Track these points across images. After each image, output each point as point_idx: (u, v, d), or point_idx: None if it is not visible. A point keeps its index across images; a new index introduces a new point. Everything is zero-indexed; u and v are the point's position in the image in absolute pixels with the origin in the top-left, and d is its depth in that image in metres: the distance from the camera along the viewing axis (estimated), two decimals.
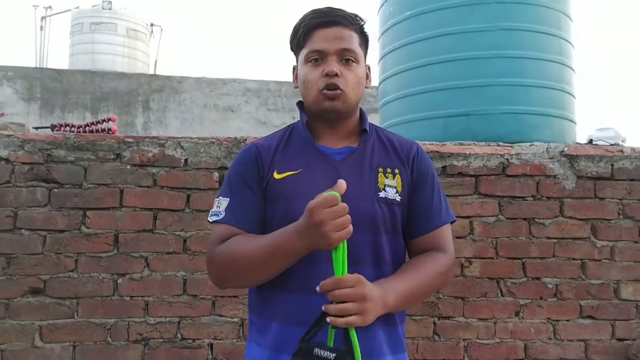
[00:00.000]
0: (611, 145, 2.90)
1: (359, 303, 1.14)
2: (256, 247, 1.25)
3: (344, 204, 1.13)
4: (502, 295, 2.67)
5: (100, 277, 2.50)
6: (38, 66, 10.62)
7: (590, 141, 3.11)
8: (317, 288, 1.16)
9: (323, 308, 1.17)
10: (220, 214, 1.35)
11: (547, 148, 2.75)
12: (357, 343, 1.17)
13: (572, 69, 3.25)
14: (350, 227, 1.15)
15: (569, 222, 2.72)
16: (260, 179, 1.36)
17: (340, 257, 1.17)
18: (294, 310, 1.29)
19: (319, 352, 1.17)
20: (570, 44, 3.23)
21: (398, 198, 1.36)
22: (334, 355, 1.16)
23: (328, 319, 1.16)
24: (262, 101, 9.25)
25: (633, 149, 2.79)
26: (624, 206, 2.75)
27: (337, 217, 1.12)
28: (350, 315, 1.14)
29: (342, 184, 1.15)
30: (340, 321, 1.14)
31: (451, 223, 1.46)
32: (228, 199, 1.36)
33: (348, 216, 1.14)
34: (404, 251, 1.42)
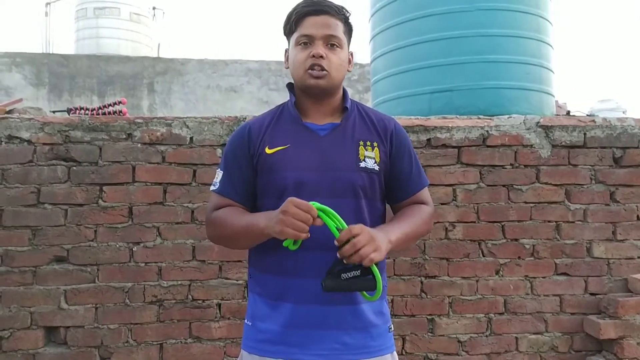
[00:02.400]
0: (586, 115, 3.11)
1: (371, 243, 1.38)
2: (237, 221, 1.54)
3: (309, 216, 1.36)
4: (484, 256, 2.90)
5: (117, 245, 2.75)
6: (44, 52, 10.81)
7: (568, 112, 3.32)
8: (335, 242, 1.38)
9: (338, 256, 1.38)
10: (216, 185, 1.64)
11: (524, 120, 2.94)
12: (378, 272, 1.40)
13: (550, 45, 3.42)
14: (298, 234, 1.36)
15: (545, 187, 2.93)
16: (250, 157, 1.60)
17: (330, 221, 1.40)
18: (287, 263, 1.53)
19: (346, 275, 1.40)
20: (548, 21, 3.39)
21: (376, 168, 1.59)
22: (359, 271, 1.40)
23: (345, 260, 1.37)
24: (264, 81, 9.42)
25: (604, 119, 2.99)
26: (595, 172, 2.95)
27: (297, 218, 1.35)
28: (369, 255, 1.36)
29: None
30: (366, 261, 1.37)
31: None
32: (222, 173, 1.64)
33: (305, 226, 1.36)
34: (381, 214, 1.65)
